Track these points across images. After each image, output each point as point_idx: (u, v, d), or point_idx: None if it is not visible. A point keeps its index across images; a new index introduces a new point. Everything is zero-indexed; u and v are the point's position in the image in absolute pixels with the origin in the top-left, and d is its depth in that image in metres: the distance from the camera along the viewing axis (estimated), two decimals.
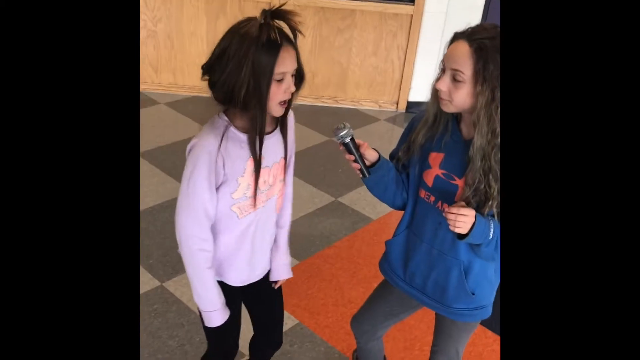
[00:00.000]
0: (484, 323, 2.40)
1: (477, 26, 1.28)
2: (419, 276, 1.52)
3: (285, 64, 1.26)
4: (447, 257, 1.45)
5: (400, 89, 4.50)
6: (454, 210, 1.29)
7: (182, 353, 2.15)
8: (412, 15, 4.22)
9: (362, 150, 1.41)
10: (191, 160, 1.33)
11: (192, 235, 1.37)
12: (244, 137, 1.34)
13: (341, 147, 1.41)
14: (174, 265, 2.58)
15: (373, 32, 4.30)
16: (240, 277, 1.53)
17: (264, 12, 1.24)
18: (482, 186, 1.31)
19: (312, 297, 2.49)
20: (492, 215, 1.34)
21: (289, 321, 2.33)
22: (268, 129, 1.40)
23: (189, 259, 1.40)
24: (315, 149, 3.60)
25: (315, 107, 4.43)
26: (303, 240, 2.87)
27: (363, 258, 2.77)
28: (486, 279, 1.48)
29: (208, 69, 1.30)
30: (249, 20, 1.26)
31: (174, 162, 3.38)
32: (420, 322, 2.38)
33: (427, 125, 1.42)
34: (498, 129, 1.25)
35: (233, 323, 1.55)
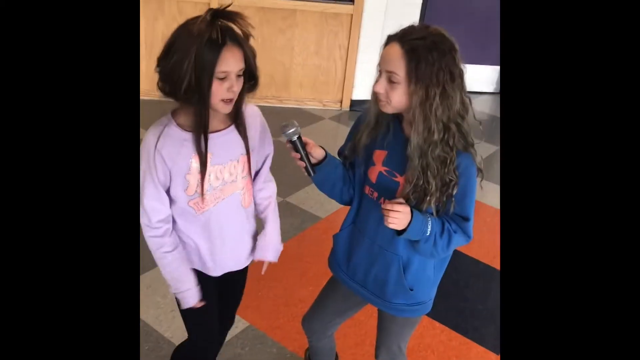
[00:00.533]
0: (431, 315, 2.46)
1: (408, 27, 1.31)
2: (360, 271, 1.56)
3: (227, 63, 1.28)
4: (387, 252, 1.48)
5: (343, 88, 4.54)
6: (388, 206, 1.33)
7: None
8: (352, 15, 4.27)
9: (308, 148, 1.43)
10: (143, 156, 1.38)
11: (143, 225, 1.45)
12: (186, 135, 1.36)
13: (288, 145, 1.42)
14: None
15: (314, 31, 4.32)
16: (206, 270, 1.57)
17: (208, 11, 1.25)
18: (421, 182, 1.35)
19: (262, 298, 2.48)
20: (431, 213, 1.39)
21: (239, 324, 2.31)
22: (220, 126, 1.42)
23: (149, 247, 1.49)
24: None
25: (259, 108, 4.40)
26: None
27: (312, 257, 2.78)
28: (425, 275, 1.52)
29: (158, 62, 1.32)
30: (200, 17, 1.27)
31: None
32: (370, 318, 2.41)
33: (370, 127, 1.45)
34: (434, 127, 1.29)
35: (211, 313, 1.61)
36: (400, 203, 1.34)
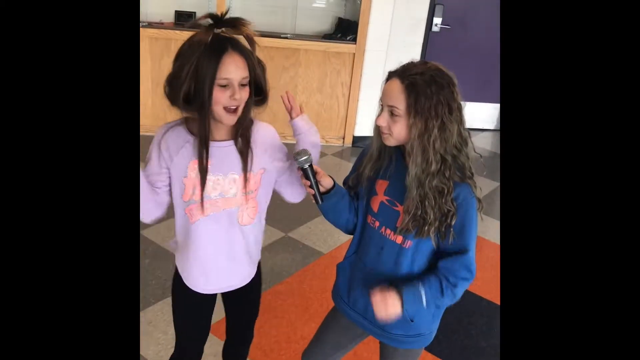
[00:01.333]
0: (435, 352, 2.43)
1: (408, 64, 1.37)
2: (361, 301, 1.56)
3: (228, 70, 1.29)
4: (386, 283, 1.47)
5: (345, 124, 4.59)
6: (377, 297, 1.38)
7: None
8: (354, 54, 4.36)
9: (318, 177, 1.46)
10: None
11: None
12: (189, 137, 1.40)
13: (299, 172, 1.45)
14: None
15: (317, 70, 4.40)
16: (194, 284, 1.57)
17: (210, 17, 1.29)
18: (419, 212, 1.37)
19: (264, 334, 2.46)
20: (422, 282, 1.42)
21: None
22: (225, 137, 1.43)
23: None
24: None
25: None
26: None
27: (314, 293, 2.77)
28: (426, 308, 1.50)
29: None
30: (206, 29, 1.30)
31: None
32: (373, 354, 2.38)
33: (373, 159, 1.49)
34: (431, 158, 1.33)
35: (193, 325, 1.66)
36: (385, 290, 1.39)
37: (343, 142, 4.63)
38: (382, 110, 1.39)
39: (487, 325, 2.68)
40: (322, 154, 4.41)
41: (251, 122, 1.48)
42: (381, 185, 1.48)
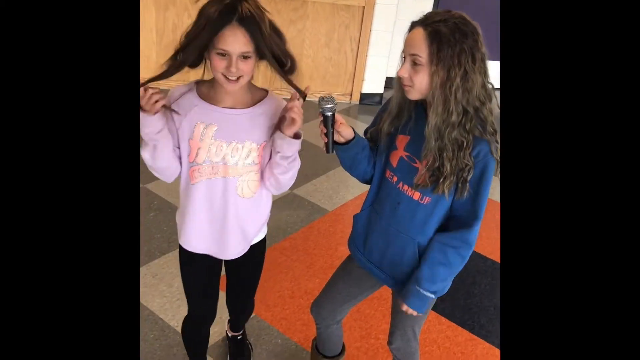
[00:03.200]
0: (438, 310, 2.46)
1: (431, 12, 1.35)
2: (376, 252, 1.58)
3: (226, 42, 1.30)
4: (403, 235, 1.50)
5: (353, 81, 4.51)
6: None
7: None
8: (364, 7, 4.24)
9: (338, 127, 1.45)
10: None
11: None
12: (198, 101, 1.43)
13: (320, 117, 1.43)
14: None
15: (325, 23, 4.29)
16: (194, 245, 1.59)
17: None
18: (436, 165, 1.36)
19: (268, 289, 2.48)
20: (418, 282, 1.48)
21: None
22: (228, 103, 1.44)
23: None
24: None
25: None
26: None
27: (319, 249, 2.78)
28: None
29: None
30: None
31: None
32: (375, 311, 2.41)
33: (392, 115, 1.48)
34: (452, 108, 1.31)
35: (200, 287, 1.70)
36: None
37: (350, 99, 4.56)
38: (404, 61, 1.37)
39: (491, 285, 2.70)
40: None
41: (265, 93, 1.49)
42: (402, 141, 1.47)
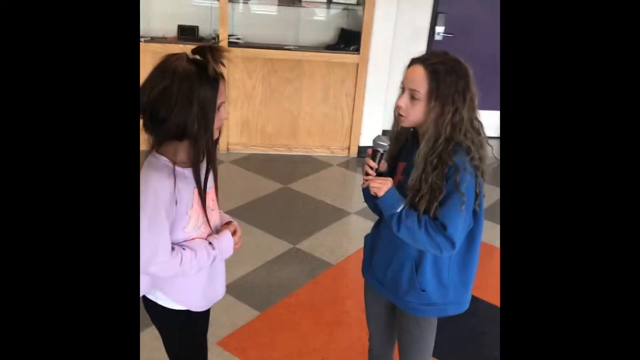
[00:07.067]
0: (442, 358, 2.40)
1: (430, 53, 1.53)
2: (379, 269, 1.70)
3: (222, 95, 1.37)
4: (401, 252, 1.60)
5: (350, 135, 4.59)
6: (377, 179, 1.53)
7: None
8: (357, 64, 4.36)
9: (381, 167, 1.57)
10: (149, 204, 1.33)
11: (159, 266, 1.41)
12: (186, 171, 1.40)
13: (369, 152, 1.57)
14: None
15: (321, 80, 4.41)
16: (204, 301, 1.59)
17: (205, 49, 1.33)
18: (417, 186, 1.48)
19: (275, 347, 2.44)
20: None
21: None
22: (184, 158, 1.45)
23: (177, 270, 1.42)
24: (271, 197, 3.57)
25: (269, 156, 4.47)
26: (263, 290, 2.83)
27: (325, 303, 2.74)
28: (438, 278, 1.59)
29: (144, 111, 1.32)
30: (175, 56, 1.33)
31: None
32: None
33: (393, 142, 1.62)
34: (441, 140, 1.44)
35: (199, 349, 1.69)
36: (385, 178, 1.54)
37: (348, 152, 4.62)
38: (402, 92, 1.51)
39: None
40: (328, 165, 4.40)
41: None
42: (400, 166, 1.62)
